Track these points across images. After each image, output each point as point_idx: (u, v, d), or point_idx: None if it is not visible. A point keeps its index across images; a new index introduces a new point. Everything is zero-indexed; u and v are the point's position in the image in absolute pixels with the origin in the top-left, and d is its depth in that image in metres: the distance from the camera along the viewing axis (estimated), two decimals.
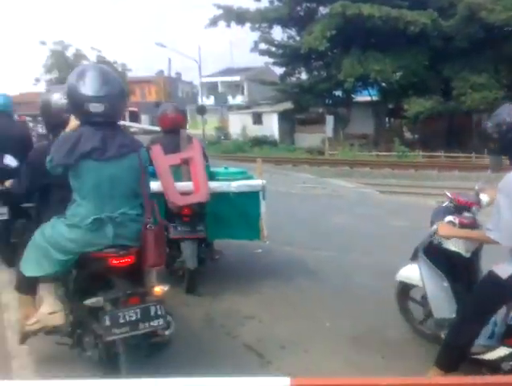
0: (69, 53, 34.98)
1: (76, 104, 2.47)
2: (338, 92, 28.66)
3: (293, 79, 30.75)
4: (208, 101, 38.72)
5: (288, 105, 30.02)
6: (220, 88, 42.31)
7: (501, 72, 23.97)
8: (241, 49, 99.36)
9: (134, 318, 2.40)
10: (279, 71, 31.83)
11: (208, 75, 40.72)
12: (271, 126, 32.12)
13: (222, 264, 4.47)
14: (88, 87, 2.42)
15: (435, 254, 2.86)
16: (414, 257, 3.03)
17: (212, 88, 41.64)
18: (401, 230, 6.33)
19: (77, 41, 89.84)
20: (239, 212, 4.20)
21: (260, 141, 29.94)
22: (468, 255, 2.81)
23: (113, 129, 2.54)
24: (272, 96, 32.12)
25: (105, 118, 2.47)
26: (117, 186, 2.50)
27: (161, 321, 2.46)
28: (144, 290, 2.56)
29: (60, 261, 2.53)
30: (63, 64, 32.26)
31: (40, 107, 3.02)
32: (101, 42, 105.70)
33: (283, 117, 31.44)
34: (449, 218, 2.78)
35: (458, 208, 2.88)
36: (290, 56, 28.46)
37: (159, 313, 2.47)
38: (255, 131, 31.68)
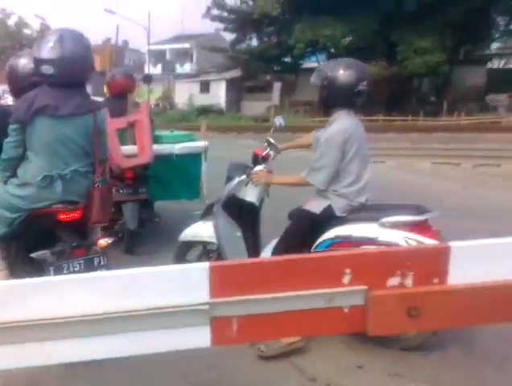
0: (11, 21, 33.35)
1: (34, 66, 2.60)
2: (288, 59, 28.76)
3: (244, 45, 30.54)
4: (156, 70, 37.92)
5: (237, 73, 29.94)
6: (168, 56, 41.46)
7: (445, 36, 24.59)
8: (193, 15, 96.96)
9: (77, 269, 2.56)
10: (231, 37, 31.58)
11: (157, 43, 39.75)
12: (218, 95, 31.93)
13: (161, 226, 4.65)
14: (41, 50, 2.53)
15: (230, 207, 3.04)
16: (204, 215, 3.22)
17: (159, 56, 40.76)
18: None
19: (21, 9, 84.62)
20: (181, 173, 4.41)
21: (206, 110, 29.75)
22: (257, 203, 3.10)
23: (71, 90, 2.61)
24: (221, 63, 31.87)
25: (58, 80, 2.54)
26: (68, 145, 2.59)
27: (104, 270, 2.54)
28: (89, 243, 2.70)
29: (8, 219, 2.61)
30: (3, 33, 30.70)
31: (7, 72, 3.03)
32: (46, 9, 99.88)
33: (231, 85, 31.33)
34: (259, 167, 3.02)
35: (257, 160, 3.09)
36: (241, 22, 28.20)
37: (102, 263, 2.64)
38: (202, 100, 31.37)
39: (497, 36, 26.55)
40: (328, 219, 2.79)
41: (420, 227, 2.62)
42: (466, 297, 1.14)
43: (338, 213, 2.78)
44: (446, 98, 24.34)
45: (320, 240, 2.81)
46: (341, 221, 2.76)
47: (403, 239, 2.55)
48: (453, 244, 1.13)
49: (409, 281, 1.17)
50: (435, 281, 1.16)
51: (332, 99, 2.81)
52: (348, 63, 2.82)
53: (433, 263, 1.15)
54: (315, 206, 2.83)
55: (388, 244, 2.51)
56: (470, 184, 8.24)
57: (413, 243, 2.53)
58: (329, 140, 2.75)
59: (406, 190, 7.48)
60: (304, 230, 2.86)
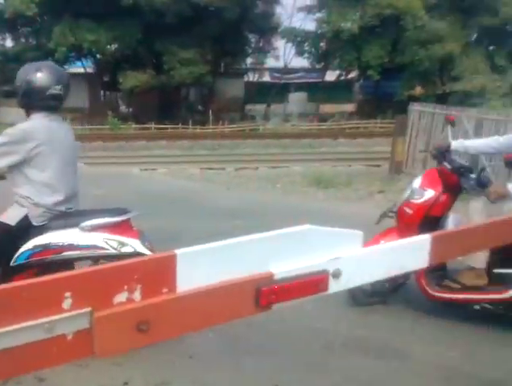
0: None
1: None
2: None
3: None
4: None
5: None
6: None
7: (206, 49, 26.34)
8: None
9: None
10: None
11: None
12: None
13: None
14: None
15: None
16: None
17: None
18: (97, 198, 6.54)
19: None
20: None
21: None
22: None
23: None
24: None
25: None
26: None
27: None
28: None
29: None
30: None
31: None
32: None
33: None
34: None
35: None
36: None
37: None
38: None
39: (250, 52, 29.65)
40: (26, 229, 2.69)
41: (120, 228, 2.72)
42: (194, 303, 1.16)
43: (35, 222, 2.71)
44: (211, 107, 26.04)
45: (19, 252, 2.67)
46: (40, 230, 2.70)
47: (103, 240, 2.63)
48: (179, 251, 1.14)
49: (137, 295, 1.12)
50: (165, 290, 1.15)
51: (27, 101, 2.77)
52: (44, 66, 2.80)
53: (161, 273, 1.13)
54: (11, 216, 2.71)
55: (88, 248, 2.60)
56: (233, 186, 8.93)
57: (114, 243, 2.64)
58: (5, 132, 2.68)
59: (177, 195, 7.69)
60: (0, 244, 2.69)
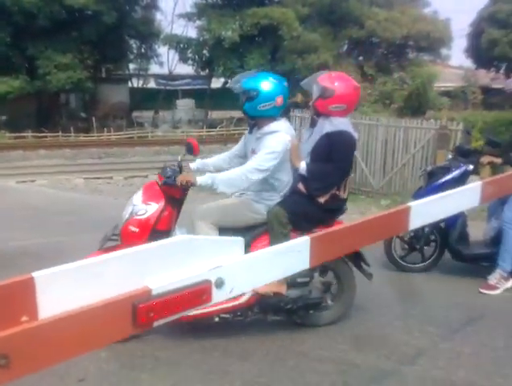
0: None
1: None
2: None
3: None
4: None
5: None
6: None
7: (85, 54, 25.09)
8: None
9: None
10: None
11: None
12: None
13: None
14: None
15: None
16: None
17: None
18: None
19: None
20: None
21: None
22: None
23: None
24: None
25: None
26: None
27: None
28: None
29: None
30: None
31: None
32: None
33: None
34: None
35: None
36: None
37: None
38: None
39: (132, 58, 28.84)
40: None
41: None
42: (62, 329, 1.04)
43: None
44: (95, 114, 24.81)
45: None
46: None
47: None
48: (37, 273, 1.02)
49: None
50: (24, 318, 1.02)
51: None
52: None
53: (17, 299, 1.00)
54: None
55: None
56: (122, 196, 8.57)
57: None
58: None
59: (59, 208, 7.17)
60: None
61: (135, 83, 30.75)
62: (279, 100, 2.97)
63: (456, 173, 4.04)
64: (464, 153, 4.17)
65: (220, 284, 1.21)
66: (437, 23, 23.58)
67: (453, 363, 2.82)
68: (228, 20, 23.22)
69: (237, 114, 29.02)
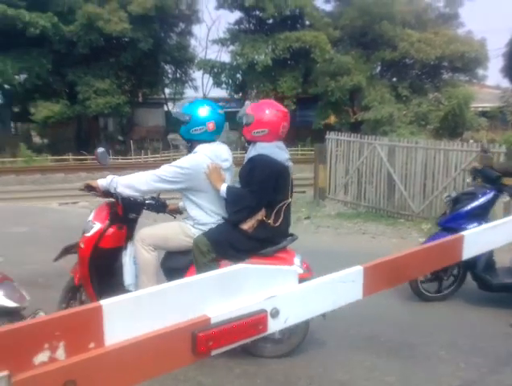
0: None
1: None
2: None
3: None
4: None
5: None
6: None
7: (122, 79, 25.99)
8: None
9: None
10: None
11: None
12: None
13: None
14: None
15: None
16: None
17: None
18: (18, 236, 6.14)
19: None
20: None
21: None
22: None
23: None
24: None
25: None
26: None
27: None
28: None
29: None
30: None
31: None
32: None
33: None
34: None
35: None
36: None
37: None
38: None
39: (167, 83, 29.61)
40: None
41: None
42: (126, 356, 1.07)
43: None
44: (132, 137, 25.48)
45: None
46: None
47: None
48: (104, 302, 1.05)
49: (61, 353, 1.02)
50: (92, 345, 1.05)
51: None
52: None
53: (86, 327, 1.04)
54: None
55: None
56: (159, 217, 8.69)
57: None
58: None
59: None
60: None
61: (171, 107, 31.50)
62: (211, 125, 3.07)
63: (482, 199, 3.91)
64: (488, 178, 4.02)
65: (275, 314, 1.22)
66: (472, 43, 23.27)
67: None
68: (260, 45, 23.60)
69: None
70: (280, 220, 3.04)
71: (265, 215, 3.01)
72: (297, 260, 3.06)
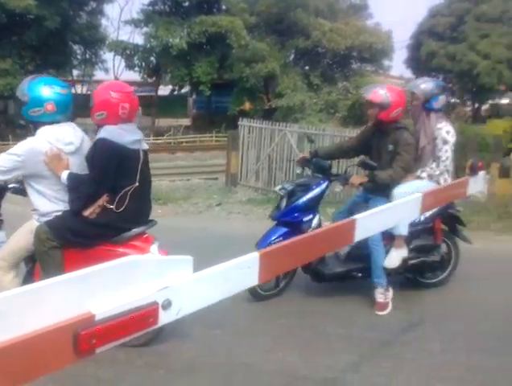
0: None
1: None
2: None
3: None
4: None
5: None
6: None
7: (26, 59, 24.24)
8: None
9: None
10: None
11: None
12: None
13: None
14: None
15: None
16: None
17: None
18: None
19: None
20: None
21: None
22: None
23: None
24: None
25: None
26: None
27: None
28: None
29: None
30: None
31: None
32: None
33: None
34: None
35: None
36: None
37: None
38: None
39: (76, 64, 28.08)
40: None
41: None
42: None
43: None
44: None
45: None
46: None
47: None
48: None
49: None
50: None
51: None
52: None
53: None
54: None
55: None
56: None
57: None
58: None
59: None
60: None
61: (79, 89, 29.91)
62: (49, 106, 2.86)
63: (317, 190, 3.84)
64: (319, 168, 3.98)
65: (167, 305, 1.18)
66: (379, 35, 24.48)
67: (394, 369, 2.90)
68: (175, 28, 23.09)
69: (186, 122, 28.86)
70: (125, 206, 2.91)
71: (107, 200, 2.89)
72: (154, 247, 2.96)
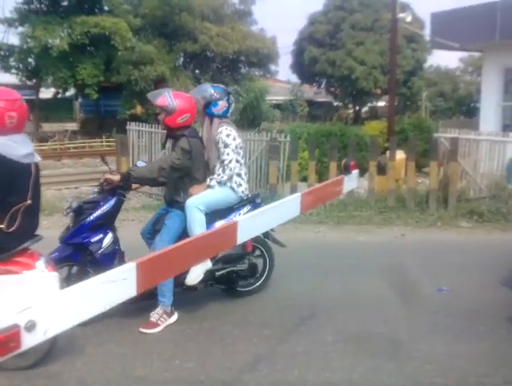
0: None
1: None
2: None
3: None
4: None
5: None
6: None
7: None
8: None
9: None
10: None
11: None
12: None
13: None
14: None
15: None
16: None
17: None
18: None
19: None
20: None
21: None
22: None
23: None
24: None
25: None
26: None
27: None
28: None
29: None
30: None
31: None
32: None
33: None
34: None
35: None
36: None
37: None
38: None
39: None
40: None
41: None
42: None
43: None
44: None
45: None
46: None
47: None
48: None
49: None
50: None
51: None
52: None
53: None
54: None
55: None
56: None
57: None
58: None
59: None
60: None
61: None
62: None
63: (105, 207, 3.61)
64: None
65: (31, 327, 1.10)
66: (265, 40, 25.21)
67: (289, 364, 3.00)
68: (54, 28, 21.70)
69: (73, 126, 27.28)
70: (16, 225, 2.71)
71: None
72: (40, 263, 2.77)
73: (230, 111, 3.91)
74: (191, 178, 3.68)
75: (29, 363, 2.78)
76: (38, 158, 2.90)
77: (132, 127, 9.52)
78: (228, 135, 3.75)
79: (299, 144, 9.17)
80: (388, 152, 8.21)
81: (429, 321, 3.64)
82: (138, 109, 24.40)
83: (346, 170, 2.71)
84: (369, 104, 30.17)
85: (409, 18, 12.57)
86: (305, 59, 26.58)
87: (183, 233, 3.61)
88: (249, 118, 19.96)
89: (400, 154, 8.41)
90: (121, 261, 3.56)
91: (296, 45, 28.47)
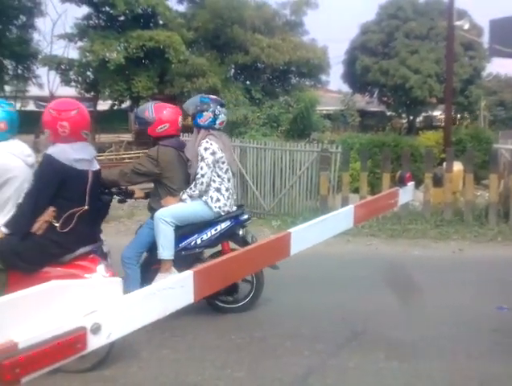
0: None
1: None
2: None
3: None
4: None
5: None
6: None
7: None
8: None
9: None
10: None
11: None
12: None
13: None
14: None
15: None
16: None
17: None
18: None
19: None
20: None
21: None
22: None
23: None
24: None
25: None
26: None
27: None
28: None
29: None
30: None
31: None
32: None
33: None
34: None
35: None
36: None
37: None
38: None
39: (7, 79, 26.84)
40: None
41: None
42: None
43: None
44: None
45: None
46: None
47: None
48: None
49: None
50: None
51: None
52: None
53: None
54: None
55: None
56: None
57: None
58: None
59: None
60: None
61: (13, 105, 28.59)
62: (2, 125, 2.95)
63: None
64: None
65: (96, 330, 1.15)
66: (316, 50, 25.15)
67: (340, 379, 2.95)
68: (111, 42, 22.63)
69: (127, 137, 28.26)
70: (70, 227, 2.84)
71: (53, 215, 2.83)
72: (101, 267, 2.89)
73: (219, 122, 3.81)
74: (166, 188, 3.70)
75: (88, 367, 2.89)
76: (96, 166, 3.05)
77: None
78: (206, 149, 3.67)
79: (351, 154, 9.07)
80: (445, 163, 7.95)
81: (489, 340, 3.48)
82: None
83: (401, 182, 2.65)
84: (423, 114, 29.41)
85: (466, 26, 12.21)
86: (357, 68, 26.32)
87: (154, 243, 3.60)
88: (299, 128, 19.91)
89: (458, 166, 8.12)
90: None
91: (348, 54, 28.25)
